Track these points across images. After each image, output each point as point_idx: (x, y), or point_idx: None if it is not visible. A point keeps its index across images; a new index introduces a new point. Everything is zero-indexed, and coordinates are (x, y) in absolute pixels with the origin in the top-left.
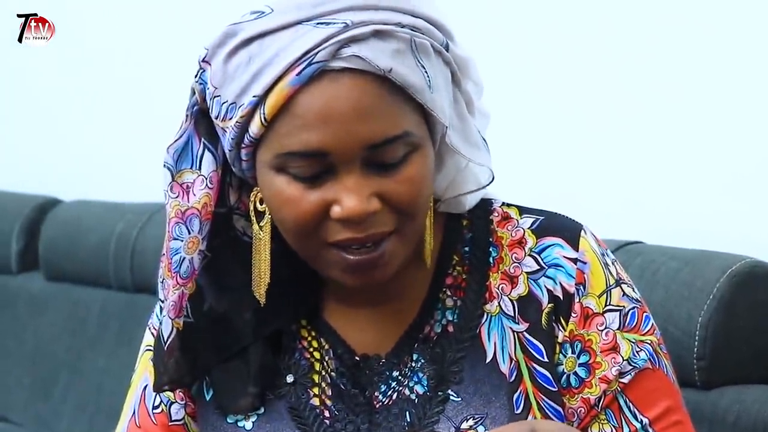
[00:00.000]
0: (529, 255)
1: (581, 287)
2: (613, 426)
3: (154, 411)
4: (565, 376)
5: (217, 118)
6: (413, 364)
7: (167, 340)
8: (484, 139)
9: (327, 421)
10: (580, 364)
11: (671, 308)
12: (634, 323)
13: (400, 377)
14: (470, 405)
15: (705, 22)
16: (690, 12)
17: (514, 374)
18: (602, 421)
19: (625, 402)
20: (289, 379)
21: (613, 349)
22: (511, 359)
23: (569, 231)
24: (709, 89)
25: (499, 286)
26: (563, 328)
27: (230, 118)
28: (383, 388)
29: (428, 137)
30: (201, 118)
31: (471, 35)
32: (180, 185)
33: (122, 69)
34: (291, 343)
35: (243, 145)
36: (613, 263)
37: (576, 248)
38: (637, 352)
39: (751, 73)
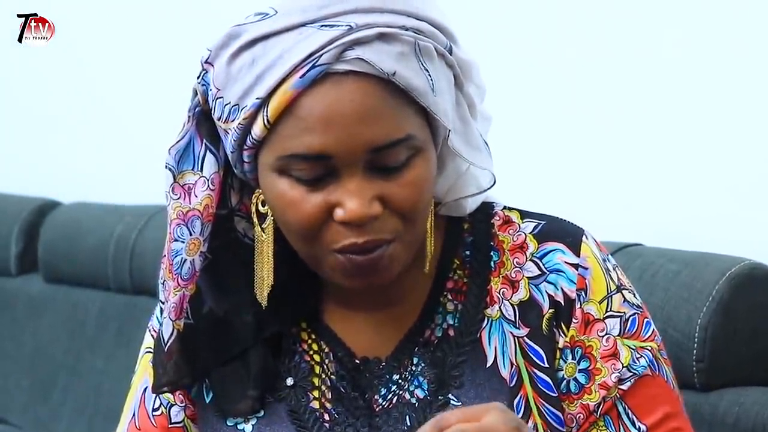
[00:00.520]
0: (531, 260)
1: (582, 293)
2: None
3: (154, 413)
4: (565, 381)
5: (219, 120)
6: (413, 368)
7: (168, 342)
8: (485, 143)
9: (327, 425)
10: (580, 370)
11: (670, 310)
12: (635, 329)
13: (400, 381)
14: None
15: (704, 26)
16: (689, 16)
17: (515, 379)
18: (601, 428)
19: (624, 409)
20: (289, 382)
21: (613, 355)
22: (512, 364)
23: (571, 236)
24: (708, 93)
25: (500, 290)
26: (564, 333)
27: (233, 120)
28: (383, 391)
29: (431, 140)
30: (203, 119)
31: (474, 38)
32: (182, 186)
33: (122, 70)
34: (291, 345)
35: (245, 147)
36: (614, 269)
37: (577, 254)
38: (637, 358)
39: (751, 76)
